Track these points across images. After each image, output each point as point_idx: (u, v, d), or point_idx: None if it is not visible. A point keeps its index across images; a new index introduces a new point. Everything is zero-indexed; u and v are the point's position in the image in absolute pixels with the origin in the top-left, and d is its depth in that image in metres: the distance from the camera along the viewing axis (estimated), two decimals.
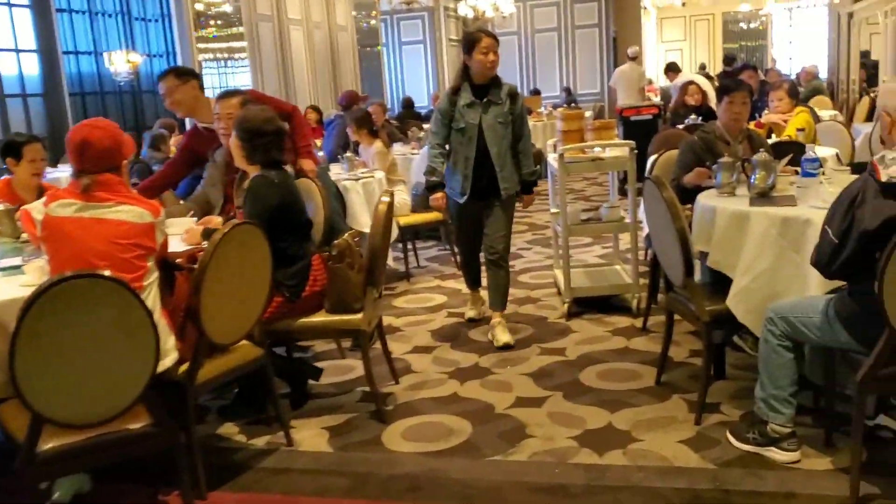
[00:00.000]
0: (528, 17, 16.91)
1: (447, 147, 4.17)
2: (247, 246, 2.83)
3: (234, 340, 2.88)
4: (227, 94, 3.73)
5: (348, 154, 5.68)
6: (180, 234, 3.44)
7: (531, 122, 11.68)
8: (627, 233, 4.67)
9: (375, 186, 5.47)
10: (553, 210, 5.16)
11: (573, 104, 15.44)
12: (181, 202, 4.19)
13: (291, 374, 3.50)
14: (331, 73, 12.46)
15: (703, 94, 7.74)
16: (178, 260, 2.90)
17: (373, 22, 15.19)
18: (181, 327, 2.74)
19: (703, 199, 3.28)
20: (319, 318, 3.32)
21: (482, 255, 4.36)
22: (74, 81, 9.70)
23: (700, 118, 7.34)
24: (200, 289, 2.65)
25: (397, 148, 7.62)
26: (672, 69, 11.20)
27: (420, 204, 6.05)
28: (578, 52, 16.82)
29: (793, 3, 21.70)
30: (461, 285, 5.51)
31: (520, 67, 17.21)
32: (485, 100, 4.07)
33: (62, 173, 8.23)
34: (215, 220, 3.42)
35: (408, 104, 13.32)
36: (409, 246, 6.13)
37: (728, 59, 13.87)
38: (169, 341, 2.61)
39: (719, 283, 3.09)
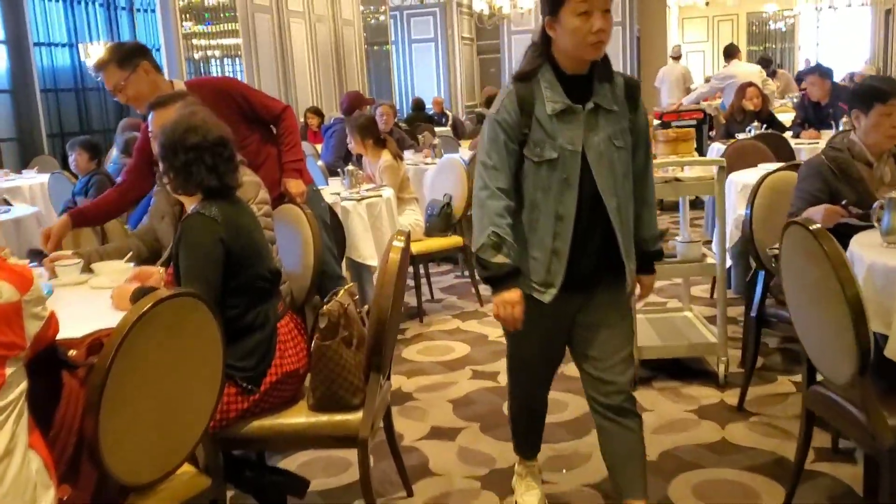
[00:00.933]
0: None
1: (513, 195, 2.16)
2: (179, 329, 1.80)
3: (157, 477, 1.83)
4: (159, 103, 2.68)
5: (350, 167, 4.63)
6: (109, 286, 2.42)
7: None
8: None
9: (383, 208, 4.43)
10: None
11: None
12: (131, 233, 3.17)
13: (262, 490, 2.45)
14: (335, 71, 11.43)
15: (764, 98, 6.70)
16: (71, 353, 1.82)
17: (381, 18, 14.16)
18: (71, 463, 1.71)
19: (869, 253, 2.22)
20: (297, 418, 2.27)
21: (586, 398, 2.32)
22: (48, 76, 8.69)
23: (764, 126, 6.33)
24: (99, 404, 1.63)
25: (408, 157, 6.59)
26: (730, 54, 9.80)
27: (436, 226, 5.02)
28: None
29: (823, 3, 20.61)
30: (487, 328, 4.49)
31: None
32: (589, 104, 2.10)
33: (27, 180, 7.23)
34: (155, 274, 2.38)
35: (418, 105, 12.29)
36: (422, 273, 5.11)
37: (765, 62, 12.78)
38: (44, 498, 1.58)
39: None
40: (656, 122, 8.01)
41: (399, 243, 2.30)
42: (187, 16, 8.81)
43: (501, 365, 3.86)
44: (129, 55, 3.05)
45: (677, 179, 3.55)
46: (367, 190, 4.53)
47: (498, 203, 2.08)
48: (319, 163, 6.25)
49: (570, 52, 2.06)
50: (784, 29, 22.26)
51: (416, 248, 4.72)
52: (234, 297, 2.18)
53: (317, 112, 9.78)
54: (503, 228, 2.07)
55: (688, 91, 11.61)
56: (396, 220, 4.61)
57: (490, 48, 17.43)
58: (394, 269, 2.26)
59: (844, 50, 22.37)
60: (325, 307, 2.21)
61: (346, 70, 11.67)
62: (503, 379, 3.69)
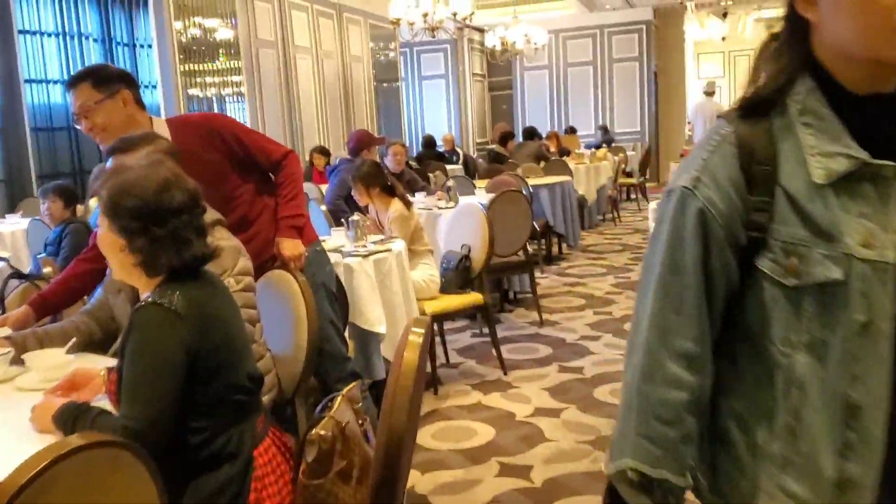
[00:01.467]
0: (562, 49, 15.43)
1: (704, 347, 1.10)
2: (98, 493, 1.22)
3: None
4: (124, 148, 2.11)
5: (355, 216, 4.05)
6: (40, 387, 1.86)
7: (571, 164, 10.17)
8: None
9: (393, 264, 3.85)
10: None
11: (610, 143, 13.90)
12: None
13: None
14: (343, 109, 10.95)
15: None
16: None
17: (391, 54, 13.73)
18: None
19: None
20: None
21: None
22: (39, 115, 8.23)
23: None
24: None
25: (420, 200, 6.04)
26: None
27: (453, 281, 4.45)
28: (616, 88, 15.30)
29: None
30: (513, 405, 3.89)
31: (551, 104, 15.69)
32: None
33: (9, 226, 6.70)
34: (96, 379, 1.80)
35: (428, 143, 11.80)
36: (436, 332, 4.53)
37: None
38: None
39: None
40: None
41: (417, 338, 1.71)
42: (188, 52, 8.35)
43: (533, 456, 3.29)
44: (110, 78, 2.50)
45: None
46: (375, 243, 3.96)
47: (670, 394, 1.06)
48: (323, 207, 5.70)
49: (861, 49, 1.01)
50: None
51: (431, 308, 4.15)
52: (200, 419, 1.59)
53: (323, 151, 9.28)
54: (670, 449, 1.06)
55: None
56: (408, 277, 4.03)
57: (502, 84, 17.00)
58: (410, 373, 1.67)
59: None
60: (313, 431, 1.62)
61: (354, 107, 11.20)
62: (538, 476, 3.08)
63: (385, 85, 12.93)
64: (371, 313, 3.59)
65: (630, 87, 15.22)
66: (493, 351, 4.51)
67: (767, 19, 17.67)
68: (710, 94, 11.82)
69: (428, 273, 4.35)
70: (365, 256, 3.70)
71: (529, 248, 5.76)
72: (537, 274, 6.77)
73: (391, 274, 3.81)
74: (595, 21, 15.13)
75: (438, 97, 15.84)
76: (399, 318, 3.73)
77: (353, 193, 4.58)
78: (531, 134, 10.15)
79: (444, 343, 4.76)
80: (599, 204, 10.33)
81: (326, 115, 10.38)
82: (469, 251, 4.41)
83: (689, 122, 12.42)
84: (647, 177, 12.56)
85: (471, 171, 12.29)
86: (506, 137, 10.50)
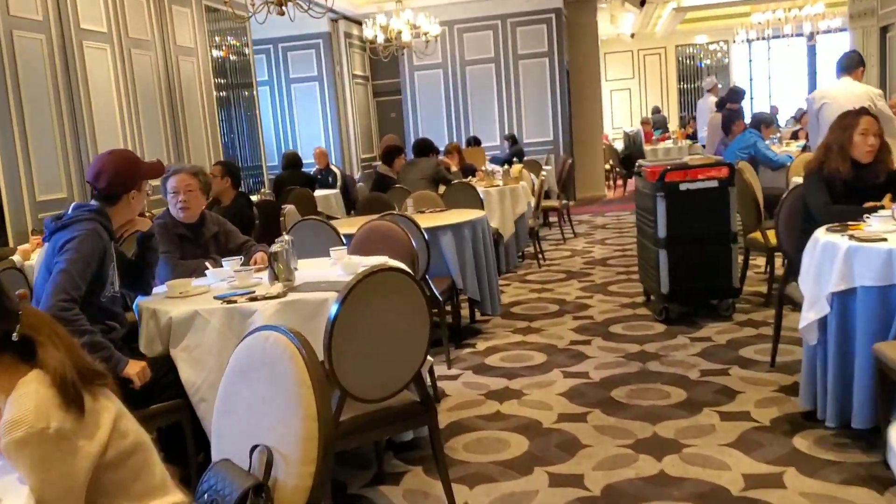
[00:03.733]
0: (458, 43, 12.87)
1: None
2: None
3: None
4: None
5: None
6: None
7: (480, 187, 7.60)
8: None
9: None
10: None
11: (521, 156, 11.42)
12: None
13: None
14: (168, 116, 8.03)
15: None
16: None
17: (245, 50, 10.83)
18: None
19: None
20: None
21: None
22: None
23: None
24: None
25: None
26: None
27: None
28: (524, 91, 12.87)
29: (755, 31, 18.48)
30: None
31: (447, 111, 13.12)
32: None
33: None
34: None
35: (291, 161, 9.07)
36: None
37: (736, 94, 10.10)
38: None
39: None
40: None
41: None
42: None
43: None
44: None
45: None
46: None
47: None
48: None
49: None
50: (717, 62, 20.07)
51: None
52: None
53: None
54: None
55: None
56: None
57: (389, 88, 14.34)
58: None
59: (786, 82, 20.43)
60: None
61: (184, 115, 8.28)
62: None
63: (234, 89, 10.06)
64: None
65: (539, 88, 12.83)
66: None
67: (687, 8, 15.69)
68: (711, 90, 9.77)
69: None
70: None
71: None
72: (442, 371, 4.35)
73: None
74: (496, 10, 12.66)
75: (311, 104, 13.03)
76: None
77: None
78: (424, 148, 7.51)
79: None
80: (518, 239, 7.79)
81: (137, 121, 7.43)
82: (264, 479, 1.69)
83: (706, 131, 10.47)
84: (567, 198, 10.09)
85: (351, 198, 9.61)
86: (391, 154, 7.85)
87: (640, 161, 6.00)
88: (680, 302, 5.30)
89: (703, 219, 5.12)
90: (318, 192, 9.54)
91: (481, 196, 6.95)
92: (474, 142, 11.21)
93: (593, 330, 5.30)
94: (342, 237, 4.47)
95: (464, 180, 7.17)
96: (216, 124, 9.03)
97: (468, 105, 13.01)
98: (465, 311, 5.74)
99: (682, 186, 5.10)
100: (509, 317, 5.81)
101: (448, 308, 5.11)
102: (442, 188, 7.21)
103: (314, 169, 10.26)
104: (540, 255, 8.02)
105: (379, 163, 7.83)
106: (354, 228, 4.50)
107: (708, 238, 5.13)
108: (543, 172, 8.22)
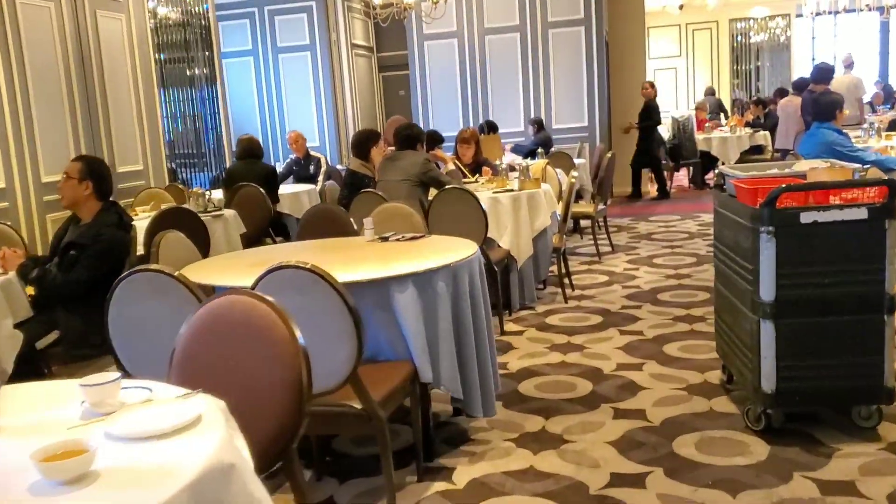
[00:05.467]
0: (475, 7, 10.75)
1: None
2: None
3: None
4: None
5: None
6: None
7: (484, 194, 5.46)
8: None
9: None
10: None
11: (548, 147, 9.33)
12: None
13: None
14: (75, 97, 6.11)
15: None
16: None
17: (207, 14, 8.83)
18: None
19: None
20: None
21: None
22: None
23: None
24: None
25: None
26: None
27: None
28: (555, 66, 10.74)
29: (828, 2, 16.13)
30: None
31: (462, 89, 11.04)
32: None
33: None
34: None
35: (247, 149, 7.04)
36: None
37: (824, 72, 7.93)
38: None
39: None
40: None
41: None
42: None
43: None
44: None
45: None
46: None
47: None
48: None
49: None
50: (776, 39, 17.69)
51: None
52: None
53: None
54: None
55: (860, 104, 6.85)
56: None
57: (398, 61, 12.30)
58: None
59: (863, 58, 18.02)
60: None
61: (104, 94, 6.34)
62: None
63: (189, 60, 8.12)
64: None
65: (573, 63, 10.69)
66: None
67: None
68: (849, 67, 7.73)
69: None
70: None
71: None
72: None
73: None
74: None
75: (302, 78, 11.04)
76: None
77: None
78: (409, 139, 5.44)
79: None
80: (538, 264, 5.74)
81: (25, 101, 5.53)
82: None
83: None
84: (604, 201, 7.96)
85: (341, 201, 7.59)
86: (365, 142, 5.87)
87: (724, 168, 3.90)
88: (792, 405, 3.24)
89: (841, 271, 3.05)
90: (291, 188, 7.56)
91: (483, 206, 4.93)
92: (489, 128, 9.12)
93: (647, 449, 3.25)
94: (198, 296, 2.50)
95: (460, 186, 5.14)
96: (154, 105, 7.06)
97: (487, 82, 10.91)
98: (440, 406, 3.72)
99: (806, 217, 3.02)
100: (513, 409, 3.77)
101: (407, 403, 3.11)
102: (433, 194, 5.19)
103: (289, 158, 8.29)
104: (567, 281, 5.96)
105: (356, 163, 5.82)
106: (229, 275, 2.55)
107: (846, 304, 3.07)
108: (574, 173, 6.16)
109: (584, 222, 8.38)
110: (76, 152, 5.92)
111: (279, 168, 8.31)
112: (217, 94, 8.36)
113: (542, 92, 10.80)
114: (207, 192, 6.36)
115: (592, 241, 7.49)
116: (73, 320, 3.70)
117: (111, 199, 3.90)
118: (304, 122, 10.84)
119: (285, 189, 7.27)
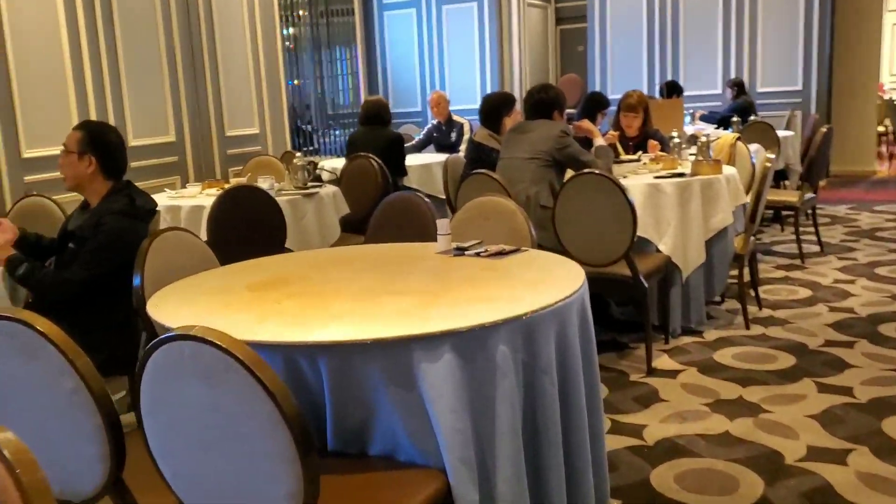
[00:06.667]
0: None
1: None
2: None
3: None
4: None
5: None
6: None
7: (640, 175, 4.09)
8: None
9: None
10: None
11: (747, 114, 7.64)
12: None
13: None
14: (181, 55, 5.42)
15: None
16: None
17: None
18: None
19: None
20: None
21: None
22: None
23: None
24: None
25: None
26: None
27: None
28: (763, 16, 8.91)
29: None
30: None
31: (649, 43, 9.47)
32: None
33: None
34: None
35: (370, 114, 6.09)
36: None
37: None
38: None
39: None
40: None
41: None
42: None
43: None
44: None
45: None
46: None
47: None
48: None
49: None
50: None
51: None
52: None
53: None
54: None
55: None
56: None
57: (578, 12, 10.89)
58: None
59: None
60: None
61: (217, 46, 5.60)
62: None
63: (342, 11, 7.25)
64: None
65: (787, 13, 8.82)
66: None
67: None
68: None
69: None
70: None
71: None
72: None
73: None
74: None
75: (466, 32, 9.95)
76: None
77: None
78: (543, 105, 4.17)
79: None
80: (713, 273, 4.34)
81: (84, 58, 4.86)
82: None
83: None
84: (813, 188, 6.22)
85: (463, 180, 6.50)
86: (498, 110, 4.73)
87: None
88: None
89: None
90: (420, 159, 6.54)
91: (633, 198, 3.62)
92: (670, 90, 7.55)
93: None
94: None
95: (618, 161, 3.85)
96: (277, 59, 6.25)
97: (679, 35, 9.27)
98: None
99: None
100: None
101: None
102: (572, 182, 3.94)
103: (430, 124, 7.24)
104: (753, 295, 4.52)
105: (483, 134, 4.69)
106: None
107: None
108: (771, 155, 4.64)
109: (786, 211, 6.71)
110: (174, 113, 5.22)
111: (420, 134, 7.31)
112: (376, 50, 7.48)
113: (747, 47, 9.03)
114: (320, 162, 5.49)
115: (795, 238, 5.88)
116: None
117: (124, 178, 3.04)
118: (465, 81, 9.78)
119: (413, 160, 6.24)
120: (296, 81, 8.27)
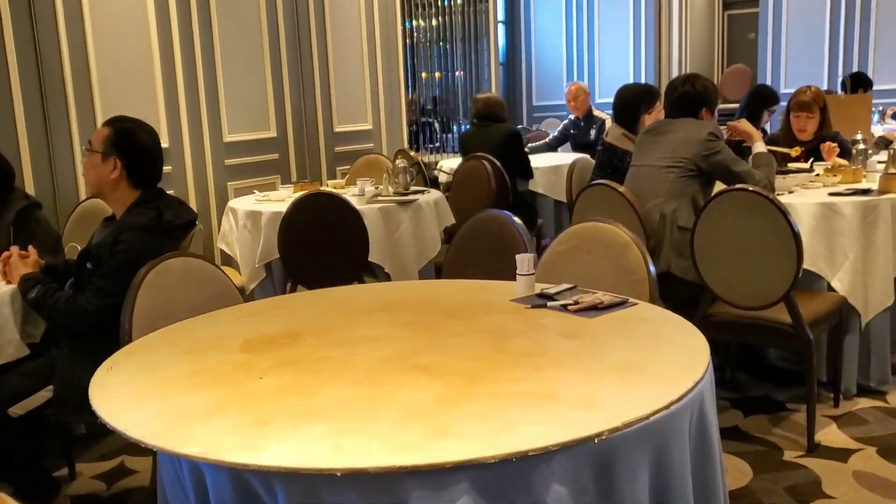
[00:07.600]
0: None
1: None
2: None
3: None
4: None
5: None
6: None
7: (809, 190, 3.21)
8: None
9: None
10: None
11: None
12: None
13: None
14: (283, 51, 5.00)
15: None
16: None
17: None
18: None
19: None
20: None
21: None
22: None
23: None
24: None
25: None
26: None
27: None
28: None
29: None
30: None
31: (832, 30, 8.23)
32: None
33: None
34: None
35: (484, 111, 5.44)
36: None
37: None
38: None
39: None
40: None
41: None
42: None
43: None
44: None
45: None
46: None
47: None
48: None
49: None
50: None
51: None
52: None
53: None
54: None
55: None
56: None
57: None
58: None
59: None
60: None
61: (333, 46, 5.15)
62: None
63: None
64: None
65: None
66: None
67: None
68: None
69: None
70: None
71: None
72: None
73: None
74: None
75: (620, 16, 9.08)
76: None
77: None
78: (688, 100, 3.35)
79: None
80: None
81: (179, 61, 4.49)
82: None
83: None
84: None
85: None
86: (636, 105, 3.97)
87: None
88: None
89: None
90: (548, 160, 5.82)
91: (795, 225, 2.77)
92: (856, 83, 6.36)
93: None
94: None
95: (783, 169, 3.02)
96: (397, 48, 5.73)
97: (870, 21, 7.98)
98: None
99: None
100: None
101: None
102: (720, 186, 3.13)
103: (567, 119, 6.48)
104: None
105: (610, 123, 3.94)
106: None
107: None
108: None
109: None
110: (276, 107, 4.80)
111: (555, 131, 6.58)
112: (520, 37, 6.86)
113: None
114: (439, 161, 4.91)
115: None
116: (73, 368, 2.43)
117: (155, 186, 2.56)
118: (616, 71, 8.91)
119: (542, 161, 5.53)
120: (425, 74, 7.73)
